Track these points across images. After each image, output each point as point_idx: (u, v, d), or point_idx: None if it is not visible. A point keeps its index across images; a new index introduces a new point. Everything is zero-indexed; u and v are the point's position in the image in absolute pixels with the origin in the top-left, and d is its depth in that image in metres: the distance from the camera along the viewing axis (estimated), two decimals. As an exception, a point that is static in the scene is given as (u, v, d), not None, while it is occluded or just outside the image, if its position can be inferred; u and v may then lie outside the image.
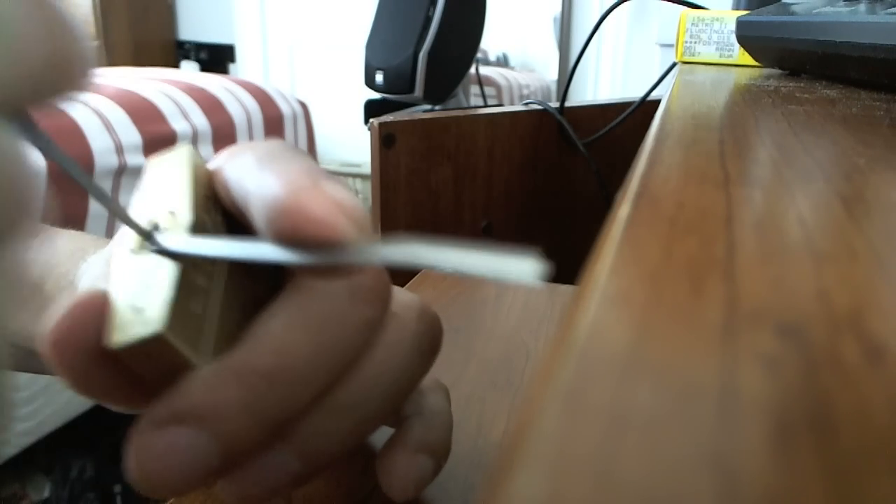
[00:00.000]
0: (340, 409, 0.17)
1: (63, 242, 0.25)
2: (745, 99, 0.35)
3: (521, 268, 0.11)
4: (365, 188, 2.28)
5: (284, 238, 0.14)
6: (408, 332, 0.19)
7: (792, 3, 0.44)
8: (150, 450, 0.14)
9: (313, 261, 0.14)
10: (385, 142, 0.57)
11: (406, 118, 0.59)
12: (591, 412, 0.07)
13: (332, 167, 2.32)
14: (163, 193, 0.18)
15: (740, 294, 0.10)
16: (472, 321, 0.42)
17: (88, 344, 0.15)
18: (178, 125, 1.37)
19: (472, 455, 0.28)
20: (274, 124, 1.67)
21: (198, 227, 0.17)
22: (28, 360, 0.25)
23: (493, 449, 0.28)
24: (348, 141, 2.38)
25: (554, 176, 0.73)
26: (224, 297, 0.17)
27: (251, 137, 1.59)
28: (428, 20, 0.75)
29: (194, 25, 2.79)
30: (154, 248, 0.16)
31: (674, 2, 0.65)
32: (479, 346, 0.38)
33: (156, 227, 0.17)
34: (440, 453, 0.21)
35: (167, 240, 0.16)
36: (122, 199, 1.20)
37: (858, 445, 0.06)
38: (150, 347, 0.15)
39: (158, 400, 0.15)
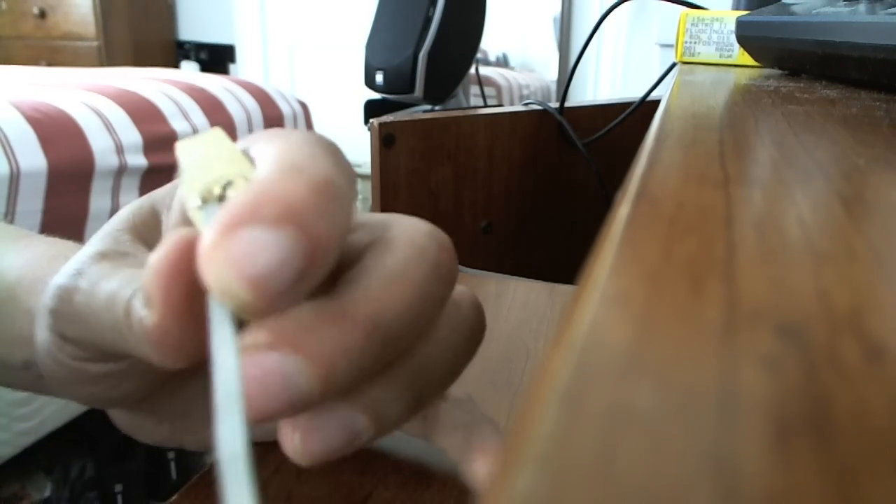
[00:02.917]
0: (409, 377, 0.18)
1: (42, 248, 0.25)
2: (745, 99, 0.35)
3: None
4: (365, 188, 2.28)
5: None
6: (462, 318, 0.20)
7: (792, 3, 0.44)
8: (250, 372, 0.14)
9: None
10: (385, 142, 0.57)
11: (406, 118, 0.59)
12: (591, 412, 0.07)
13: (332, 167, 2.32)
14: (216, 164, 0.17)
15: (740, 294, 0.10)
16: (472, 321, 0.42)
17: (191, 278, 0.15)
18: (179, 125, 1.37)
19: (472, 455, 0.28)
20: (274, 124, 1.67)
21: None
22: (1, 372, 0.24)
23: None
24: (348, 141, 2.37)
25: (554, 176, 0.73)
26: None
27: (251, 137, 1.59)
28: (428, 20, 0.75)
29: (194, 25, 2.79)
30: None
31: (674, 2, 0.65)
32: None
33: (228, 187, 0.16)
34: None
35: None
36: (122, 200, 1.20)
37: (858, 445, 0.06)
38: None
39: (260, 325, 0.15)
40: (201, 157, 0.18)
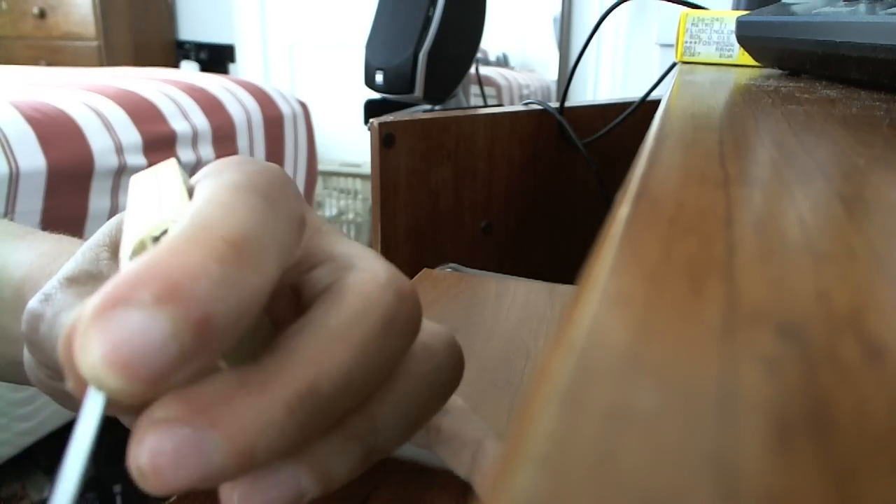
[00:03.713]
0: (360, 432, 0.17)
1: (47, 245, 0.25)
2: (745, 99, 0.35)
3: None
4: (365, 188, 2.28)
5: None
6: (434, 365, 0.19)
7: (792, 3, 0.44)
8: (160, 446, 0.13)
9: None
10: (385, 142, 0.57)
11: (406, 118, 0.59)
12: (591, 412, 0.07)
13: (332, 167, 2.32)
14: (163, 205, 0.17)
15: (740, 294, 0.10)
16: (472, 321, 0.42)
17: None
18: (178, 125, 1.37)
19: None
20: (274, 124, 1.67)
21: None
22: (8, 369, 0.24)
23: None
24: (348, 141, 2.38)
25: (554, 176, 0.73)
26: None
27: (251, 137, 1.59)
28: (428, 20, 0.75)
29: (194, 25, 2.79)
30: None
31: (674, 2, 0.65)
32: (479, 346, 0.38)
33: (164, 235, 0.16)
34: None
35: None
36: (121, 200, 1.20)
37: (858, 445, 0.06)
38: None
39: (174, 396, 0.14)
40: (151, 196, 0.17)
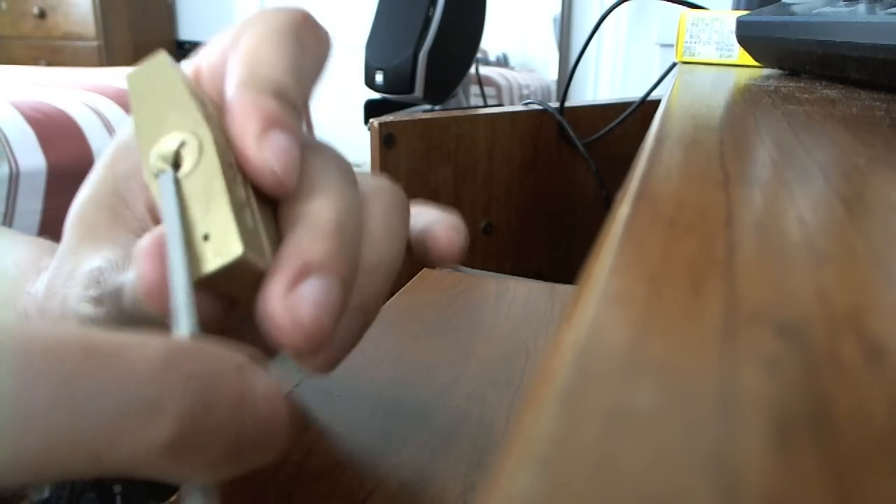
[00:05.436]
0: (372, 267, 0.20)
1: (23, 249, 0.25)
2: (745, 99, 0.35)
3: None
4: (365, 188, 2.28)
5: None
6: (388, 204, 0.22)
7: (792, 3, 0.44)
8: (298, 305, 0.15)
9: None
10: (385, 142, 0.57)
11: (406, 118, 0.59)
12: (591, 412, 0.07)
13: (332, 167, 2.32)
14: (167, 113, 0.17)
15: (740, 294, 0.10)
16: (472, 321, 0.42)
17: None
18: (178, 125, 1.36)
19: (472, 455, 0.28)
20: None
21: (217, 142, 0.17)
22: None
23: (493, 449, 0.28)
24: (348, 141, 2.38)
25: (554, 176, 0.73)
26: (258, 203, 0.18)
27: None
28: (428, 20, 0.75)
29: (194, 25, 2.79)
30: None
31: (674, 2, 0.65)
32: (479, 346, 0.38)
33: (182, 147, 0.17)
34: None
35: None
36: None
37: (858, 445, 0.06)
38: (231, 271, 0.15)
39: (270, 276, 0.16)
40: (153, 97, 0.18)
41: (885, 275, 0.11)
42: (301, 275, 0.16)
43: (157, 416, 0.11)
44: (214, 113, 0.18)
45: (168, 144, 0.17)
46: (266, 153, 0.17)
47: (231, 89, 0.18)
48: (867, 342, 0.08)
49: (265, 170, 0.17)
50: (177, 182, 0.16)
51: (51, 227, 1.04)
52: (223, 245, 0.15)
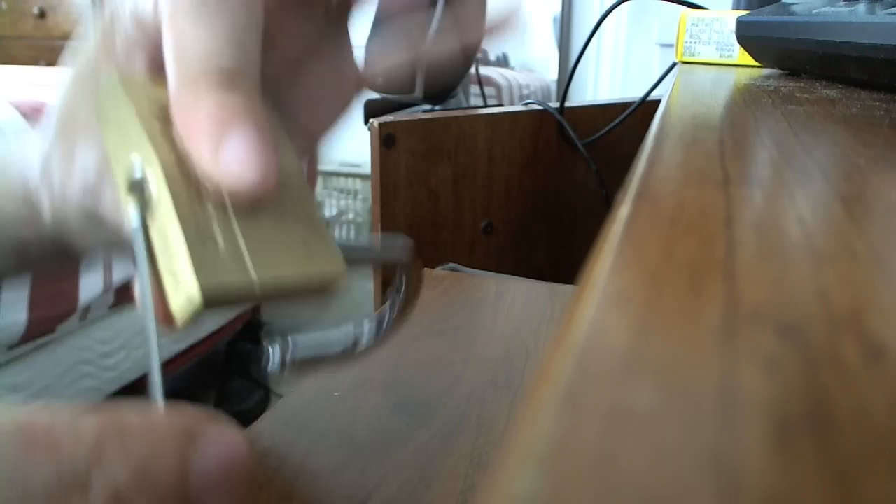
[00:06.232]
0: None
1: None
2: (745, 99, 0.35)
3: None
4: (365, 188, 2.28)
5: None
6: None
7: (792, 3, 0.44)
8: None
9: None
10: (385, 142, 0.57)
11: (406, 118, 0.59)
12: (591, 412, 0.07)
13: (332, 167, 2.32)
14: (127, 138, 0.17)
15: (740, 294, 0.10)
16: (472, 321, 0.42)
17: None
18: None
19: (472, 455, 0.28)
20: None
21: (169, 167, 0.16)
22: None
23: (493, 448, 0.28)
24: (348, 141, 2.37)
25: (554, 176, 0.73)
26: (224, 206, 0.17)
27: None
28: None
29: (194, 25, 2.78)
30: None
31: (674, 2, 0.65)
32: (479, 346, 0.38)
33: (139, 181, 0.16)
34: None
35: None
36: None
37: (858, 445, 0.06)
38: (209, 305, 0.15)
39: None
40: (114, 122, 0.17)
41: (885, 275, 0.11)
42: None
43: (86, 492, 0.12)
44: (167, 126, 0.17)
45: (132, 170, 0.16)
46: (225, 166, 0.15)
47: (171, 89, 0.16)
48: (867, 342, 0.08)
49: (229, 182, 0.15)
50: (142, 218, 0.16)
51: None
52: (186, 288, 0.15)
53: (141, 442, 0.12)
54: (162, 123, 0.17)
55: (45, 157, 0.22)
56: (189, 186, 0.16)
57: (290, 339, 0.20)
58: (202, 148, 0.15)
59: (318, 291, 0.17)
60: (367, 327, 0.21)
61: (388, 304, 0.21)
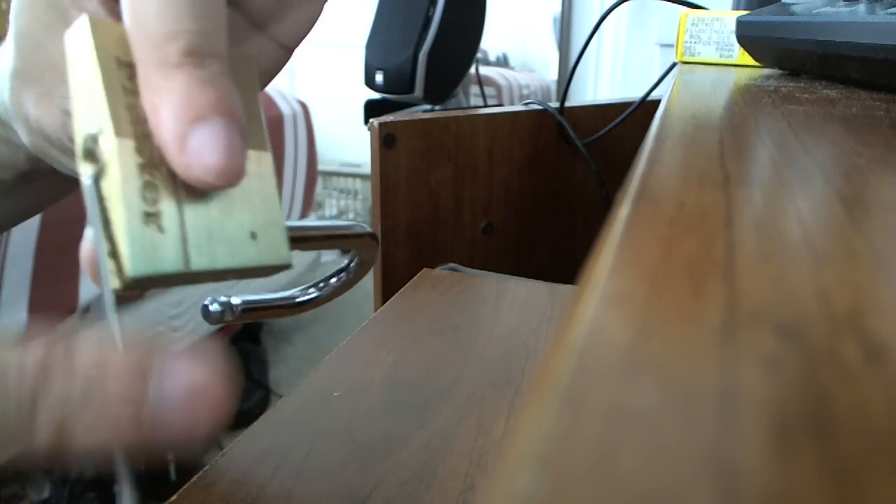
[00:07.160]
0: None
1: None
2: (745, 99, 0.35)
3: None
4: (365, 188, 2.28)
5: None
6: None
7: (792, 3, 0.44)
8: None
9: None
10: (385, 142, 0.57)
11: (406, 118, 0.59)
12: (591, 411, 0.07)
13: (332, 167, 2.33)
14: (90, 93, 0.16)
15: (740, 294, 0.10)
16: (472, 321, 0.42)
17: None
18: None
19: (472, 455, 0.28)
20: (274, 124, 1.67)
21: (125, 143, 0.15)
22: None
23: (493, 448, 0.28)
24: (348, 141, 2.38)
25: (554, 176, 0.73)
26: (175, 189, 0.16)
27: (251, 137, 1.59)
28: (428, 20, 0.75)
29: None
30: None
31: (674, 2, 0.65)
32: (478, 346, 0.38)
33: (92, 150, 0.15)
34: None
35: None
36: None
37: (858, 445, 0.06)
38: (146, 281, 0.15)
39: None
40: (80, 72, 0.16)
41: (885, 275, 0.11)
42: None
43: (33, 416, 0.13)
44: (134, 83, 0.16)
45: (89, 131, 0.16)
46: (190, 157, 0.15)
47: (135, 57, 0.16)
48: (867, 342, 0.08)
49: (192, 173, 0.15)
50: (96, 183, 0.15)
51: (49, 226, 1.04)
52: (121, 262, 0.15)
53: (89, 363, 0.13)
54: (130, 81, 0.16)
55: (14, 90, 0.20)
56: (144, 161, 0.16)
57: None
58: (167, 133, 0.15)
59: (257, 274, 0.17)
60: (312, 291, 0.26)
61: (335, 271, 0.25)
